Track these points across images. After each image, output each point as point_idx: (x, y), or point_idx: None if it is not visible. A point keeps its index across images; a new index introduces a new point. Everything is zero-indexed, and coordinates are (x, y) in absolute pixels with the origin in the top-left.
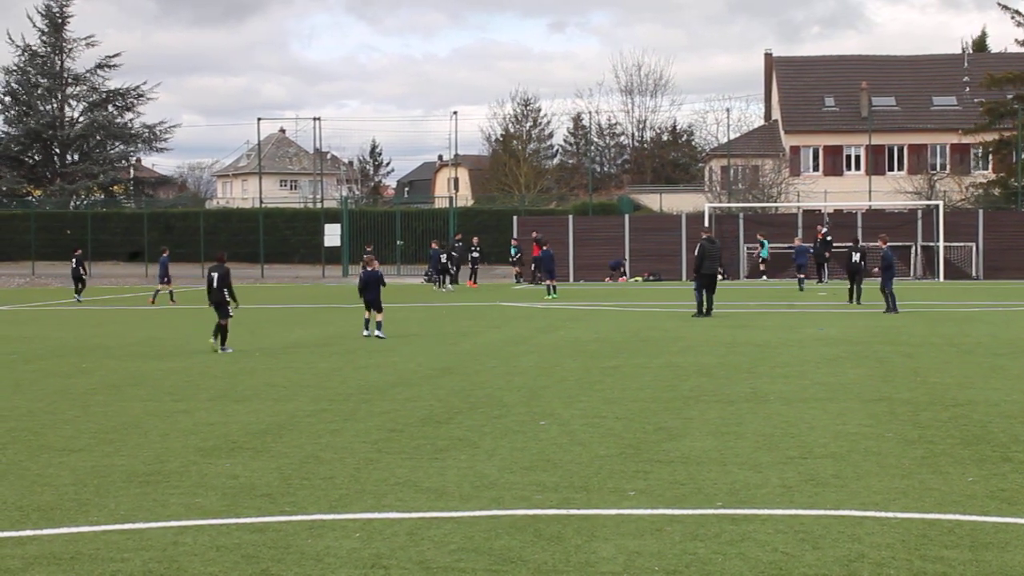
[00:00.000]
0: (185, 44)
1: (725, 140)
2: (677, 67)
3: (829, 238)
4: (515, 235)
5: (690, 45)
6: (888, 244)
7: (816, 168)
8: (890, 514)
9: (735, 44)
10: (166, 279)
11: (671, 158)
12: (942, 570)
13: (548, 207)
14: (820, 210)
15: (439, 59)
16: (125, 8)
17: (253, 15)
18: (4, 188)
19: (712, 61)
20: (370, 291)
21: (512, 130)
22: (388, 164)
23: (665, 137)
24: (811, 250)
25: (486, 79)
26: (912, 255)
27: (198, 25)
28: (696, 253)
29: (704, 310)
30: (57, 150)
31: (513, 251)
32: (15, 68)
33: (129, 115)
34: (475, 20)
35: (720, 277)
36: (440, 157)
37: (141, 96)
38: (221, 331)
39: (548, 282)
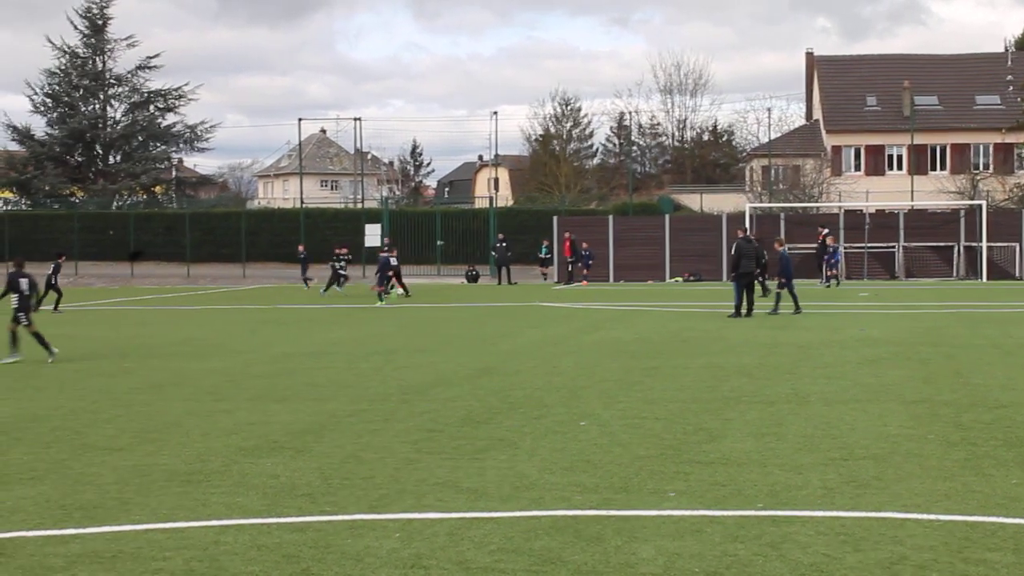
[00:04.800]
0: (236, 43)
1: (766, 140)
2: (722, 66)
3: (829, 239)
4: (555, 235)
5: (738, 43)
6: (784, 247)
7: (858, 168)
8: (932, 516)
9: (783, 42)
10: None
11: (711, 158)
12: (984, 573)
13: (588, 207)
14: (862, 210)
15: (484, 58)
16: (185, 6)
17: (313, 13)
18: (48, 188)
19: (758, 59)
20: None
21: (552, 130)
22: (428, 164)
23: (705, 137)
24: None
25: (531, 78)
26: (955, 255)
27: (253, 24)
28: (732, 252)
29: (744, 311)
30: (99, 151)
31: (543, 251)
32: (57, 71)
33: (171, 116)
34: (523, 18)
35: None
36: (480, 157)
37: (182, 97)
38: (38, 339)
39: (378, 288)
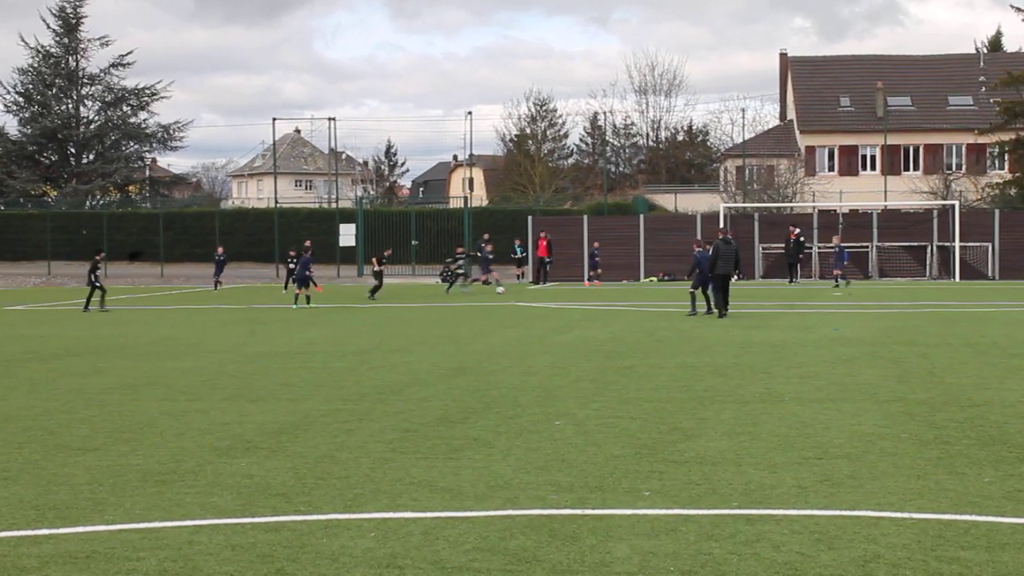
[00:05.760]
0: (212, 42)
1: (740, 140)
2: (697, 65)
3: (802, 239)
4: (530, 235)
5: (714, 43)
6: (699, 248)
7: (831, 168)
8: (906, 515)
9: (759, 42)
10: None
11: (686, 158)
12: (958, 571)
13: (563, 207)
14: (835, 210)
15: (459, 58)
16: (161, 5)
17: (291, 11)
18: (20, 188)
19: (734, 59)
20: None
21: (527, 130)
22: (403, 164)
23: (680, 137)
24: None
25: (506, 78)
26: (928, 255)
27: (230, 22)
28: (711, 252)
29: (718, 310)
30: (72, 150)
31: (517, 250)
32: (30, 68)
33: (143, 114)
34: (500, 17)
35: (735, 278)
36: (455, 157)
37: (155, 95)
38: None
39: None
